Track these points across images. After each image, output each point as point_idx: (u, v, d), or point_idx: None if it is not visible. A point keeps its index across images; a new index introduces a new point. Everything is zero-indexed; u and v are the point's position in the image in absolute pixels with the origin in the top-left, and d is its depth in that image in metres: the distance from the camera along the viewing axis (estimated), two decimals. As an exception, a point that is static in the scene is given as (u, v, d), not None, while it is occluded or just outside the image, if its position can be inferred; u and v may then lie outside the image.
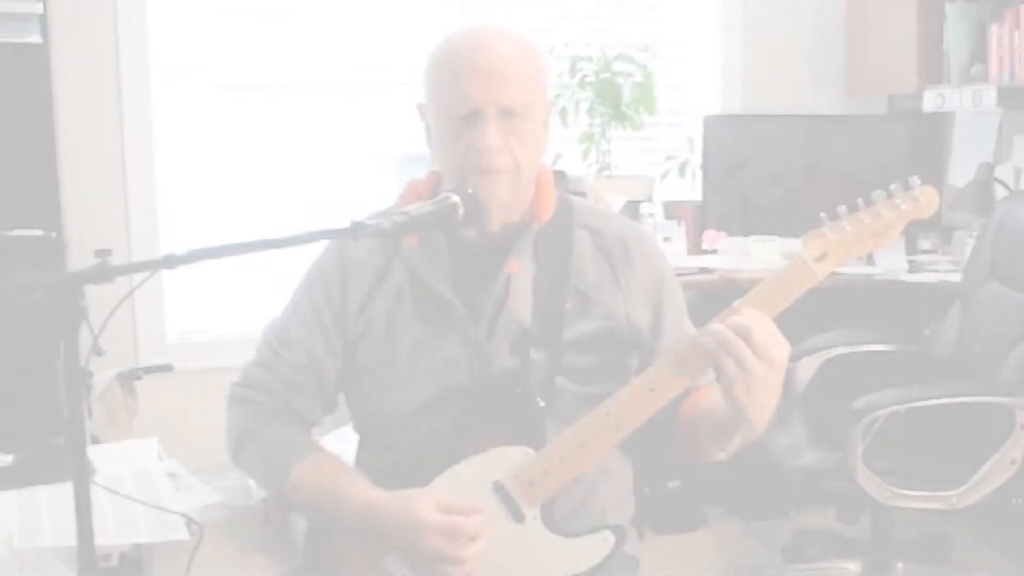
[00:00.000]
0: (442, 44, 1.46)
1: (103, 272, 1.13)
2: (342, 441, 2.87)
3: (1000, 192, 3.37)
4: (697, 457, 1.49)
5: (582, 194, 3.25)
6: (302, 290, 1.58)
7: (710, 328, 1.32)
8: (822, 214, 1.38)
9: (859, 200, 1.37)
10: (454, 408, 1.47)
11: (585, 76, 3.65)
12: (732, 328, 1.29)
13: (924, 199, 1.37)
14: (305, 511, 1.50)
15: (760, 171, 3.79)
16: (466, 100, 1.41)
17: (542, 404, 1.46)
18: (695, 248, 3.73)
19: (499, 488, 1.42)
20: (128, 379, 2.88)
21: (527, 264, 1.50)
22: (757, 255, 3.60)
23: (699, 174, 3.82)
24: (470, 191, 1.40)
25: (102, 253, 1.14)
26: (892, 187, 1.37)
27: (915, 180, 1.37)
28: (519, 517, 1.41)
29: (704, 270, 3.41)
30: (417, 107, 1.53)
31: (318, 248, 1.58)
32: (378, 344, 1.51)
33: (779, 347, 1.30)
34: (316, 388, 1.55)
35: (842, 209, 1.37)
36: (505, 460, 1.42)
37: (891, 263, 3.47)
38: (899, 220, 1.37)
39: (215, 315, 3.56)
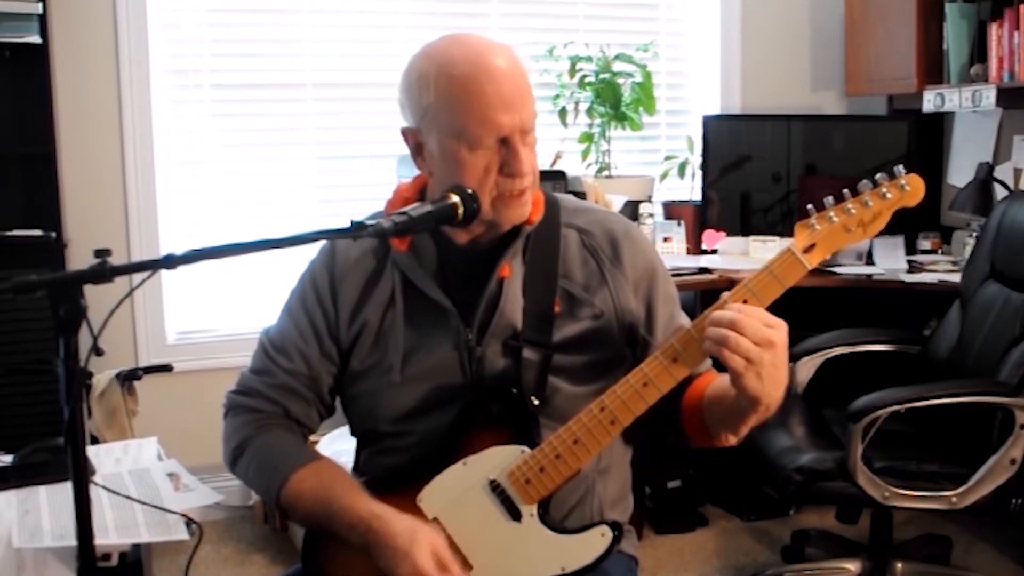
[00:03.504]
0: (443, 70, 1.40)
1: (103, 272, 1.13)
2: (341, 441, 2.89)
3: (1000, 192, 3.38)
4: (708, 443, 1.49)
5: (581, 194, 3.26)
6: (295, 297, 1.58)
7: (706, 329, 1.32)
8: (809, 205, 1.38)
9: (845, 190, 1.38)
10: (449, 409, 1.48)
11: (585, 76, 3.66)
12: (722, 323, 1.29)
13: (910, 187, 1.37)
14: (301, 521, 1.50)
15: (760, 171, 3.79)
16: (496, 130, 1.39)
17: (536, 403, 1.46)
18: (695, 248, 3.74)
19: (495, 487, 1.42)
20: (128, 379, 2.88)
21: (517, 267, 1.51)
22: (756, 255, 3.60)
23: (699, 174, 3.83)
24: (470, 191, 1.39)
25: (102, 253, 1.14)
26: (878, 176, 1.37)
27: (900, 169, 1.37)
28: (516, 515, 1.42)
29: (704, 270, 3.42)
30: (403, 132, 1.49)
31: (314, 250, 1.58)
32: (371, 348, 1.52)
33: (775, 328, 1.30)
34: (313, 394, 1.55)
35: (829, 200, 1.38)
36: (500, 459, 1.42)
37: (891, 263, 3.48)
38: (886, 209, 1.37)
39: (215, 315, 3.56)
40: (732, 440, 1.44)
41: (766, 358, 1.28)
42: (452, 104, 1.40)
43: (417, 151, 1.48)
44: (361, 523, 1.38)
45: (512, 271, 1.50)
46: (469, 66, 1.39)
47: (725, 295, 1.35)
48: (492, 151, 1.40)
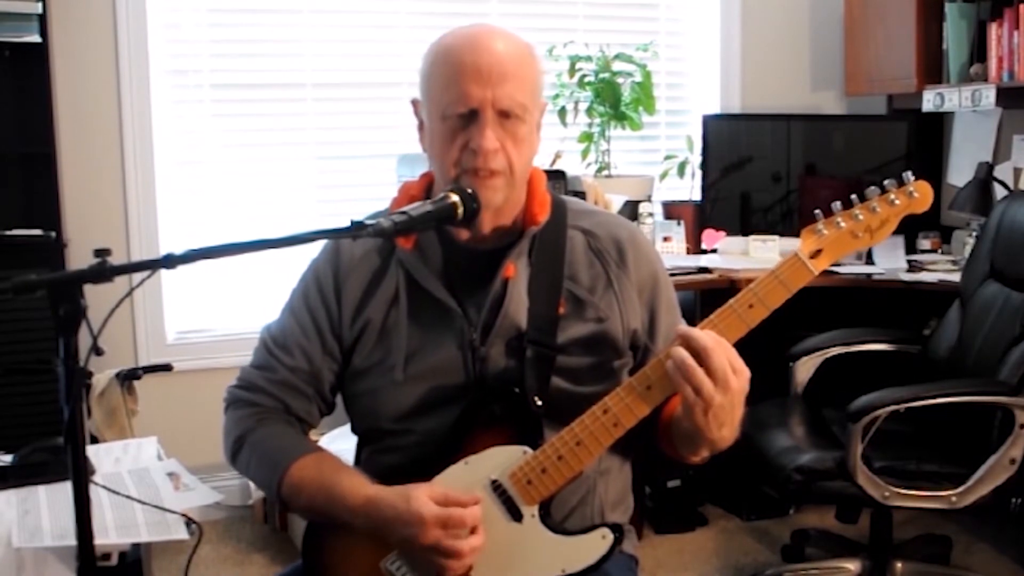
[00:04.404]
0: (440, 43, 1.46)
1: (103, 272, 1.13)
2: (342, 439, 2.89)
3: (999, 192, 3.38)
4: (677, 458, 1.51)
5: (581, 194, 3.26)
6: (298, 293, 1.58)
7: (671, 350, 1.32)
8: (816, 211, 1.39)
9: (853, 196, 1.38)
10: (451, 409, 1.47)
11: (585, 76, 3.66)
12: (692, 351, 1.30)
13: (919, 194, 1.37)
14: (303, 511, 1.50)
15: (759, 171, 3.79)
16: (464, 100, 1.40)
17: (539, 404, 1.46)
18: (694, 247, 3.74)
19: (497, 487, 1.42)
20: (128, 379, 2.88)
21: (523, 267, 1.51)
22: (756, 255, 3.60)
23: (698, 174, 3.83)
24: (469, 190, 1.40)
25: (102, 253, 1.14)
26: (886, 182, 1.37)
27: (909, 175, 1.37)
28: (517, 516, 1.42)
29: (703, 269, 3.42)
30: (412, 103, 1.53)
31: (315, 249, 1.58)
32: (374, 347, 1.52)
33: (738, 374, 1.30)
34: (313, 391, 1.55)
35: (836, 205, 1.38)
36: (502, 459, 1.42)
37: (891, 263, 3.48)
38: (894, 215, 1.37)
39: (214, 315, 3.55)
40: (695, 460, 1.46)
41: (716, 399, 1.29)
42: (433, 70, 1.45)
43: (420, 125, 1.52)
44: (360, 508, 1.39)
45: (517, 272, 1.50)
46: (462, 40, 1.44)
47: (701, 324, 1.35)
48: (461, 122, 1.42)
